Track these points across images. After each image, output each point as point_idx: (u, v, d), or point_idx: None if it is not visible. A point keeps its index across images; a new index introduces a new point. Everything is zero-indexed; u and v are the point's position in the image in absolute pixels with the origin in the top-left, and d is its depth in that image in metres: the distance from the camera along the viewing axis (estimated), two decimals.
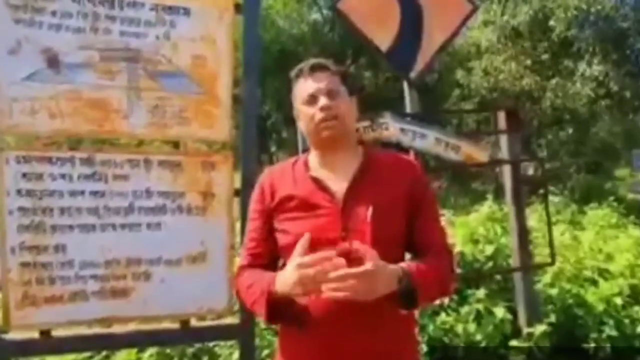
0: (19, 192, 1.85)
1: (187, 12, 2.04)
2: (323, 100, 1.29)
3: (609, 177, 11.48)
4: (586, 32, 10.43)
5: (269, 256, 1.38)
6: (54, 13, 1.89)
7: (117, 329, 2.06)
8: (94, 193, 1.93)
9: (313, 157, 1.38)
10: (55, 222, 1.88)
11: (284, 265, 1.38)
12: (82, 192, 1.91)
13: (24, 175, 1.86)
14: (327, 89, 1.31)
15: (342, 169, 1.32)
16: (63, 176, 1.90)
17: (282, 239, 1.32)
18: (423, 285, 1.19)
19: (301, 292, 1.12)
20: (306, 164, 1.36)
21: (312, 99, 1.31)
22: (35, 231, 1.86)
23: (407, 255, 1.37)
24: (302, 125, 1.37)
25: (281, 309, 1.20)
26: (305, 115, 1.32)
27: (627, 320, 3.06)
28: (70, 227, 1.90)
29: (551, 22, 10.22)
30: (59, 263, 1.88)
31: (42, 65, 1.88)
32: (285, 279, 1.15)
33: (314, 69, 1.34)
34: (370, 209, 1.24)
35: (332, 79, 1.33)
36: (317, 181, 1.31)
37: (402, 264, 1.21)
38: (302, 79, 1.35)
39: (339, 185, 1.30)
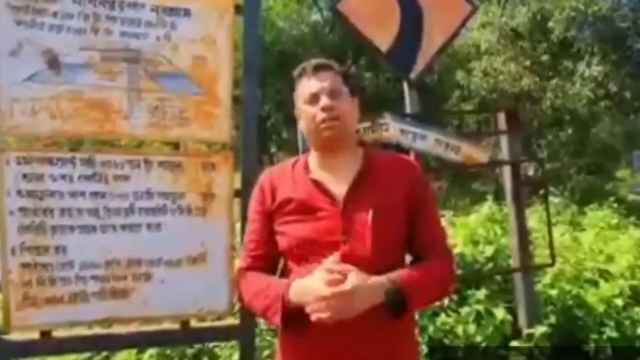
0: (19, 192, 1.85)
1: (187, 13, 2.04)
2: (325, 100, 1.29)
3: (609, 178, 11.47)
4: (585, 33, 10.44)
5: (269, 258, 1.38)
6: (54, 14, 1.90)
7: (118, 329, 2.06)
8: (95, 194, 1.93)
9: (313, 159, 1.38)
10: (56, 222, 1.88)
11: (284, 267, 1.38)
12: (83, 193, 1.91)
13: (25, 176, 1.86)
14: (330, 88, 1.31)
15: (342, 171, 1.32)
16: (63, 177, 1.90)
17: (282, 242, 1.32)
18: (416, 292, 1.21)
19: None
20: (306, 166, 1.36)
21: (314, 98, 1.31)
22: (36, 232, 1.86)
23: (408, 257, 1.37)
24: (303, 125, 1.36)
25: (295, 316, 1.21)
26: (307, 115, 1.32)
27: (627, 322, 3.06)
28: (71, 227, 1.90)
29: (550, 24, 10.23)
30: (59, 264, 1.88)
31: (43, 66, 1.88)
32: (306, 292, 1.17)
33: (317, 68, 1.34)
34: (371, 212, 1.24)
35: (335, 78, 1.33)
36: (317, 184, 1.31)
37: (392, 274, 1.21)
38: (305, 79, 1.34)
39: (339, 187, 1.29)
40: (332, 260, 1.18)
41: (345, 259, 1.22)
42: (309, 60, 1.39)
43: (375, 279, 1.18)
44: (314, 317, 1.14)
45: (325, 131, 1.29)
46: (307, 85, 1.33)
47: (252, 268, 1.36)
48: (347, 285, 1.12)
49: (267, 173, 1.42)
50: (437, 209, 1.42)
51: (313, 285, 1.16)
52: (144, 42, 1.99)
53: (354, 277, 1.14)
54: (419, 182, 1.36)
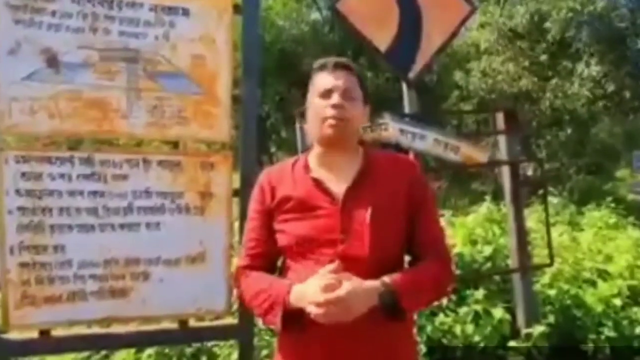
0: (18, 191, 1.85)
1: (186, 12, 2.04)
2: (336, 98, 1.29)
3: (609, 178, 11.48)
4: (583, 33, 10.45)
5: (269, 257, 1.38)
6: (53, 13, 1.90)
7: (116, 328, 2.06)
8: (93, 193, 1.93)
9: (313, 157, 1.38)
10: (54, 221, 1.88)
11: (283, 264, 1.38)
12: (81, 192, 1.92)
13: (23, 174, 1.86)
14: (344, 87, 1.31)
15: (342, 170, 1.32)
16: (62, 176, 1.90)
17: (281, 240, 1.33)
18: (410, 294, 1.21)
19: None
20: (306, 165, 1.36)
21: (327, 94, 1.31)
22: (35, 231, 1.86)
23: (407, 257, 1.37)
24: (309, 118, 1.36)
25: (294, 319, 1.22)
26: (316, 107, 1.32)
27: (625, 322, 3.06)
28: (69, 226, 1.90)
29: (547, 24, 10.23)
30: (58, 263, 1.88)
31: (42, 65, 1.88)
32: (303, 297, 1.18)
33: (337, 66, 1.34)
34: (369, 211, 1.25)
35: (352, 80, 1.34)
36: (317, 182, 1.31)
37: (386, 277, 1.21)
38: (322, 73, 1.35)
39: (339, 186, 1.30)
40: (329, 269, 1.19)
41: (343, 257, 1.22)
42: (309, 59, 1.40)
43: (369, 283, 1.19)
44: (313, 316, 1.15)
45: (329, 129, 1.29)
46: (323, 80, 1.33)
47: (251, 266, 1.37)
48: (341, 291, 1.14)
49: (266, 172, 1.43)
50: (436, 208, 1.43)
51: (309, 292, 1.17)
52: (142, 42, 1.99)
53: (348, 283, 1.15)
54: (418, 182, 1.36)
